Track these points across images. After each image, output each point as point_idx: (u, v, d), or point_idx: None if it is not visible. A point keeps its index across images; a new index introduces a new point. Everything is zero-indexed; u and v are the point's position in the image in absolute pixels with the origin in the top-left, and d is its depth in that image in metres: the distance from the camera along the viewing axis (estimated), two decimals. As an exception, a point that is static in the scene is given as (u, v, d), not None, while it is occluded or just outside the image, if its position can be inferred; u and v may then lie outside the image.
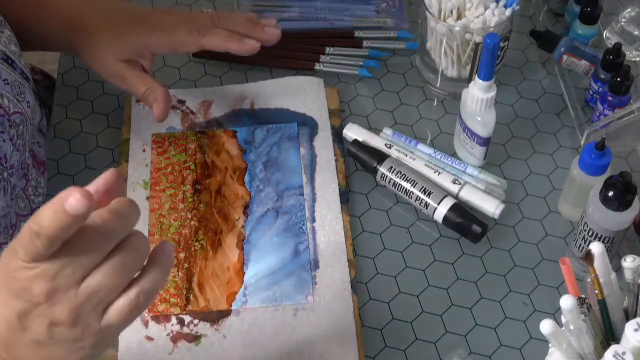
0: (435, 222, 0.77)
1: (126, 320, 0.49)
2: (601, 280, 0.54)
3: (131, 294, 0.48)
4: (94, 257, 0.47)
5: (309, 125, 0.83)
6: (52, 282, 0.46)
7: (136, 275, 0.49)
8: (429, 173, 0.78)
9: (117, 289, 0.48)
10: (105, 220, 0.47)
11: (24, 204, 0.73)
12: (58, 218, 0.44)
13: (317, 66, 0.89)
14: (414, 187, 0.76)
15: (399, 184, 0.77)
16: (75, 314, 0.47)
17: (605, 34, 0.91)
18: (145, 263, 0.50)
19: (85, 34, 0.77)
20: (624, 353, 0.49)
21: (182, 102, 0.86)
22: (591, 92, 0.83)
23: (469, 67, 0.83)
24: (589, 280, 0.54)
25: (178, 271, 0.73)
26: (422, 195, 0.76)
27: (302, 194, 0.78)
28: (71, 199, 0.44)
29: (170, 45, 0.78)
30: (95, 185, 0.48)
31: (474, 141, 0.78)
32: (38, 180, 0.77)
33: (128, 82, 0.77)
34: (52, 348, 0.49)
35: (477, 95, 0.75)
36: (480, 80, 0.74)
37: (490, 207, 0.76)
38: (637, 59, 0.89)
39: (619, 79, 0.77)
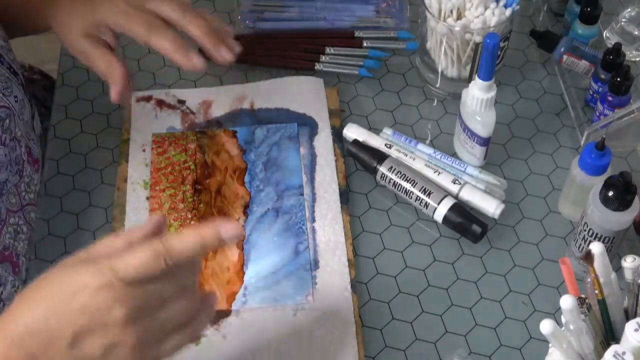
0: (435, 222, 0.77)
1: (175, 352, 0.54)
2: (601, 280, 0.54)
3: (188, 330, 0.54)
4: (174, 292, 0.53)
5: (309, 125, 0.83)
6: (137, 307, 0.51)
7: None
8: (429, 173, 0.78)
9: (181, 326, 0.54)
10: (192, 263, 0.55)
11: (15, 200, 0.73)
12: (194, 242, 0.52)
13: (317, 66, 0.89)
14: (414, 187, 0.76)
15: (399, 184, 0.77)
16: (142, 340, 0.51)
17: (605, 34, 0.91)
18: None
19: (56, 10, 0.76)
20: (624, 353, 0.49)
21: (182, 102, 0.86)
22: (591, 92, 0.83)
23: (469, 67, 0.83)
24: (589, 280, 0.54)
25: (178, 271, 0.73)
26: (422, 195, 0.76)
27: (302, 194, 0.78)
28: (229, 226, 0.53)
29: (122, 29, 0.74)
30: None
31: (474, 141, 0.78)
32: (32, 177, 0.77)
33: (89, 59, 0.74)
34: None
35: (477, 95, 0.75)
36: (480, 80, 0.74)
37: (490, 207, 0.76)
38: (637, 59, 0.89)
39: (619, 79, 0.77)
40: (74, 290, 0.51)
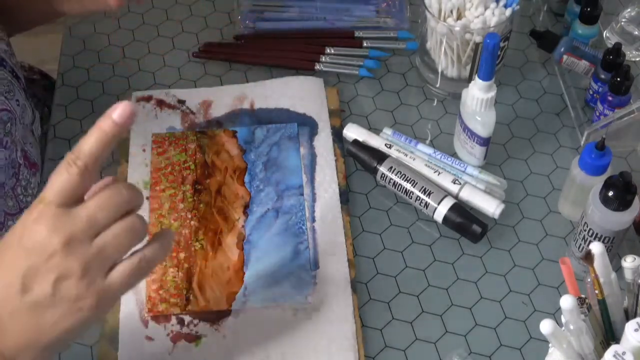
0: (435, 222, 0.77)
1: (126, 283, 0.53)
2: (601, 280, 0.54)
3: (134, 259, 0.53)
4: (108, 217, 0.52)
5: (309, 125, 0.83)
6: (71, 232, 0.51)
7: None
8: (429, 173, 0.78)
9: (124, 250, 0.53)
10: (124, 187, 0.53)
11: (12, 202, 0.73)
12: (98, 138, 0.52)
13: (317, 66, 0.89)
14: (414, 187, 0.76)
15: (399, 184, 0.77)
16: (86, 266, 0.51)
17: (605, 34, 0.91)
18: (146, 241, 0.55)
19: None
20: (624, 353, 0.49)
21: (182, 102, 0.86)
22: (591, 92, 0.83)
23: (469, 67, 0.83)
24: (589, 280, 0.54)
25: (178, 271, 0.73)
26: (422, 195, 0.76)
27: (302, 194, 0.78)
28: (120, 107, 0.53)
29: None
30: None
31: (474, 141, 0.78)
32: (29, 180, 0.77)
33: None
34: (49, 311, 0.51)
35: (477, 95, 0.75)
36: (480, 80, 0.74)
37: (490, 207, 0.76)
38: (637, 59, 0.89)
39: (619, 79, 0.77)
40: (16, 236, 0.52)
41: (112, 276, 0.52)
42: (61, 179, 0.51)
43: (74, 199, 0.52)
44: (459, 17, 0.80)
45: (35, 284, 0.51)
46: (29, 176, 0.77)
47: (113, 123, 0.53)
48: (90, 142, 0.52)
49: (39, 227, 0.51)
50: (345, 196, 0.78)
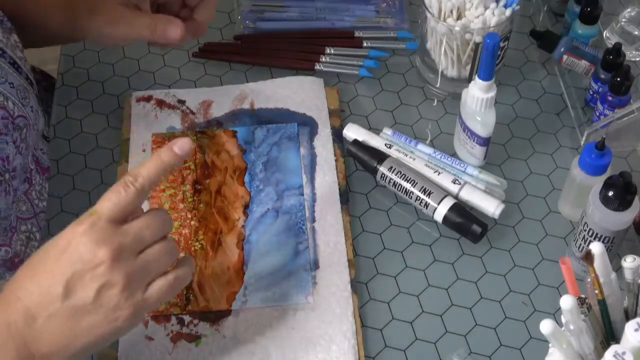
0: (435, 222, 0.77)
1: (162, 297, 0.57)
2: (601, 280, 0.54)
3: (170, 277, 0.58)
4: (152, 237, 0.57)
5: (309, 125, 0.83)
6: (119, 246, 0.55)
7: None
8: (429, 173, 0.78)
9: (163, 268, 0.58)
10: (165, 213, 0.59)
11: (25, 207, 0.74)
12: (156, 164, 0.57)
13: (317, 66, 0.89)
14: (414, 187, 0.76)
15: (399, 184, 0.77)
16: (129, 279, 0.55)
17: (605, 34, 0.91)
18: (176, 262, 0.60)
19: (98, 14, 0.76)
20: (624, 353, 0.49)
21: (182, 102, 0.86)
22: (591, 92, 0.83)
23: (469, 67, 0.83)
24: (589, 280, 0.54)
25: (178, 271, 0.73)
26: (422, 195, 0.76)
27: (302, 194, 0.78)
28: (181, 142, 0.58)
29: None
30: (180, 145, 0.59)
31: (474, 141, 0.78)
32: (43, 185, 0.77)
33: (131, 24, 0.75)
34: (88, 317, 0.55)
35: (477, 95, 0.75)
36: (480, 80, 0.74)
37: (490, 207, 0.76)
38: (637, 59, 0.89)
39: (619, 79, 0.77)
40: (61, 246, 0.55)
41: (150, 291, 0.57)
42: (118, 196, 0.56)
43: (124, 216, 0.56)
44: (459, 17, 0.80)
45: (79, 289, 0.54)
46: (42, 181, 0.77)
47: (173, 153, 0.58)
48: (148, 168, 0.57)
49: (88, 238, 0.54)
50: (346, 196, 0.78)
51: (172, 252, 0.58)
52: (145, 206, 0.76)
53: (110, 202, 0.56)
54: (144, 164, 0.58)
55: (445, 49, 0.82)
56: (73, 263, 0.54)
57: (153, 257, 0.57)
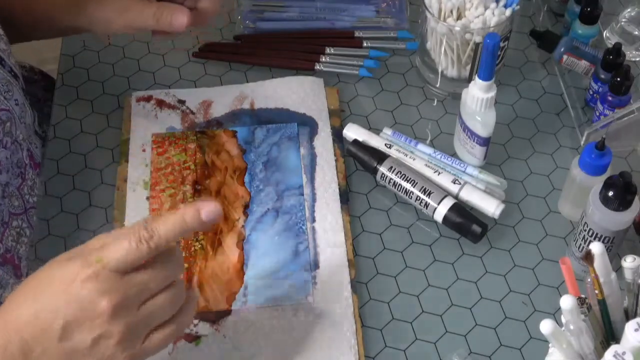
0: (435, 222, 0.77)
1: (160, 347, 0.56)
2: (601, 280, 0.54)
3: (170, 328, 0.56)
4: (158, 288, 0.54)
5: (309, 125, 0.83)
6: (122, 298, 0.52)
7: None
8: (429, 173, 0.78)
9: (165, 318, 0.55)
10: (177, 259, 0.56)
11: (18, 202, 0.73)
12: (177, 225, 0.53)
13: (317, 66, 0.89)
14: (414, 187, 0.76)
15: (399, 184, 0.77)
16: (129, 331, 0.53)
17: (605, 34, 0.91)
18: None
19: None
20: (624, 353, 0.49)
21: (182, 102, 0.86)
22: (591, 92, 0.83)
23: (469, 67, 0.83)
24: (589, 280, 0.54)
25: (178, 271, 0.73)
26: (422, 195, 0.76)
27: (302, 194, 0.78)
28: (210, 207, 0.54)
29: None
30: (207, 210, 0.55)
31: (474, 141, 0.78)
32: (34, 181, 0.77)
33: (140, 13, 0.74)
34: (82, 359, 0.53)
35: (477, 95, 0.75)
36: (480, 80, 0.74)
37: (490, 207, 0.76)
38: (637, 59, 0.89)
39: (619, 79, 0.77)
40: (64, 283, 0.52)
41: (148, 342, 0.55)
42: (128, 250, 0.52)
43: (131, 269, 0.53)
44: (459, 17, 0.80)
45: (76, 334, 0.52)
46: (34, 176, 0.77)
47: (198, 218, 0.54)
48: (168, 227, 0.53)
49: (90, 285, 0.52)
50: (346, 196, 0.78)
51: (177, 301, 0.56)
52: (145, 206, 0.77)
53: (119, 254, 0.52)
54: (165, 219, 0.54)
55: (445, 49, 0.82)
56: (73, 307, 0.52)
57: (156, 308, 0.54)
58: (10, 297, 0.54)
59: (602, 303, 0.54)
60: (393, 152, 0.80)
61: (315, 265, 0.73)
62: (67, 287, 0.52)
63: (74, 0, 0.77)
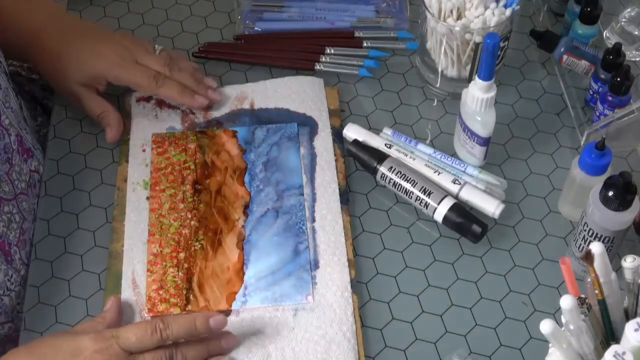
0: (435, 222, 0.77)
1: None
2: (601, 280, 0.54)
3: None
4: None
5: (309, 125, 0.83)
6: None
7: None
8: (429, 173, 0.78)
9: None
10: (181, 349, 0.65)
11: (8, 188, 0.73)
12: (188, 326, 0.63)
13: (317, 66, 0.89)
14: (414, 187, 0.76)
15: (399, 184, 0.77)
16: None
17: (605, 34, 0.91)
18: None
19: (44, 55, 0.81)
20: (624, 353, 0.49)
21: (182, 102, 0.86)
22: (591, 92, 0.83)
23: (469, 67, 0.83)
24: (589, 280, 0.54)
25: (178, 271, 0.73)
26: (422, 195, 0.76)
27: (302, 194, 0.78)
28: (218, 317, 0.65)
29: (126, 83, 0.81)
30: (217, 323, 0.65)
31: (474, 141, 0.78)
32: (21, 167, 0.77)
33: (84, 104, 0.82)
34: None
35: (477, 95, 0.75)
36: (480, 80, 0.74)
37: (490, 207, 0.76)
38: (637, 59, 0.89)
39: (619, 79, 0.77)
40: (73, 355, 0.59)
41: None
42: (144, 335, 0.62)
43: (138, 352, 0.62)
44: (459, 17, 0.80)
45: None
46: (21, 162, 0.77)
47: (207, 325, 0.64)
48: (180, 326, 0.63)
49: (99, 357, 0.60)
50: (346, 196, 0.78)
51: None
52: (145, 206, 0.77)
53: (135, 337, 0.61)
54: (179, 318, 0.64)
55: (445, 49, 0.82)
56: None
57: None
58: (12, 355, 0.61)
59: (602, 303, 0.54)
60: (393, 152, 0.80)
61: (315, 265, 0.73)
62: (77, 356, 0.59)
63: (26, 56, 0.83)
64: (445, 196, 0.76)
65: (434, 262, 0.75)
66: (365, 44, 0.91)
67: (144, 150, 0.81)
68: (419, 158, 0.79)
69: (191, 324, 0.63)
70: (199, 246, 0.74)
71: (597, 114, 0.81)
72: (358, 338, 0.69)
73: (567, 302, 0.50)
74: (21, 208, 0.76)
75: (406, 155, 0.80)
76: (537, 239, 0.76)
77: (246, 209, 0.77)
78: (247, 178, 0.79)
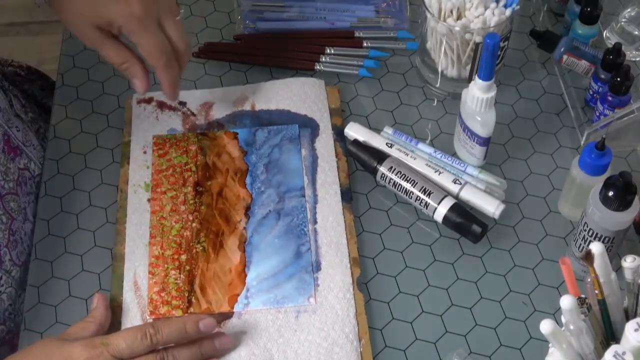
0: (435, 222, 0.77)
1: None
2: (601, 280, 0.54)
3: None
4: None
5: (310, 126, 0.83)
6: None
7: None
8: (429, 173, 0.78)
9: None
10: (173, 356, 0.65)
11: None
12: (178, 330, 0.64)
13: (317, 66, 0.89)
14: (414, 187, 0.77)
15: (399, 184, 0.77)
16: None
17: (605, 34, 0.91)
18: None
19: None
20: (624, 353, 0.49)
21: (182, 103, 0.86)
22: (591, 92, 0.84)
23: (469, 67, 0.83)
24: (589, 280, 0.54)
25: (180, 273, 0.73)
26: (422, 195, 0.76)
27: (303, 196, 0.78)
28: (207, 320, 0.65)
29: (135, 37, 0.72)
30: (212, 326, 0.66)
31: (474, 141, 0.78)
32: (7, 166, 0.76)
33: (102, 54, 0.74)
34: None
35: (477, 95, 0.75)
36: (480, 80, 0.74)
37: (490, 207, 0.76)
38: (637, 59, 0.89)
39: (619, 79, 0.77)
40: (66, 353, 0.60)
41: None
42: (134, 342, 0.62)
43: (131, 358, 0.62)
44: (459, 17, 0.80)
45: None
46: (7, 161, 0.76)
47: (197, 329, 0.64)
48: (170, 330, 0.63)
49: None
50: (349, 194, 0.78)
51: None
52: (147, 208, 0.77)
53: (125, 343, 0.62)
54: (170, 323, 0.64)
55: (445, 49, 0.82)
56: None
57: None
58: None
59: (602, 303, 0.55)
60: (394, 152, 0.80)
61: (317, 266, 0.73)
62: (68, 356, 0.59)
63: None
64: (445, 196, 0.76)
65: (434, 262, 0.75)
66: (365, 44, 0.91)
67: (144, 152, 0.81)
68: (420, 157, 0.79)
69: (181, 328, 0.64)
70: (201, 248, 0.74)
71: (597, 114, 0.81)
72: (365, 337, 0.69)
73: (567, 302, 0.51)
74: (8, 208, 0.75)
75: (407, 154, 0.80)
76: (537, 239, 0.77)
77: (247, 210, 0.77)
78: (248, 180, 0.79)
